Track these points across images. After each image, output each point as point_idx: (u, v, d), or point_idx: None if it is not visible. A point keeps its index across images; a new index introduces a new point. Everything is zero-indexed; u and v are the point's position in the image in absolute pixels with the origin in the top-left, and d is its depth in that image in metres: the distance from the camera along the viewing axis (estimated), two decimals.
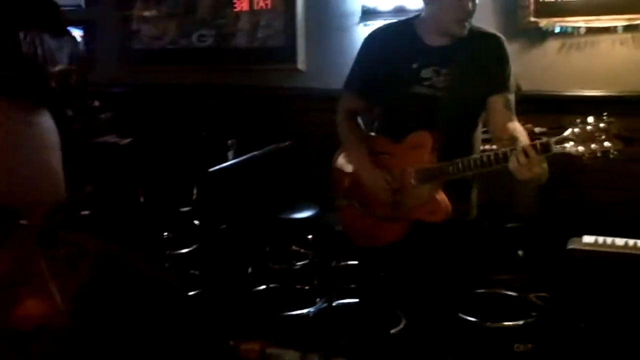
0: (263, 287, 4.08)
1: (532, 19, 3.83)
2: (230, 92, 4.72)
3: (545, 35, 3.84)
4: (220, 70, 4.78)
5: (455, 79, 2.48)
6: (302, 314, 3.88)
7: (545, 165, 2.17)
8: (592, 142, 2.08)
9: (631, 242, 2.58)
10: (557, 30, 3.78)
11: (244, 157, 3.55)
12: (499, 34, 2.62)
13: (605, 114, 2.11)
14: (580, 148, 2.09)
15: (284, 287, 4.11)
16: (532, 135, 3.57)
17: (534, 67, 3.89)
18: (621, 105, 3.71)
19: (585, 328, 3.10)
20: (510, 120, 2.48)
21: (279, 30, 4.55)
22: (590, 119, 2.10)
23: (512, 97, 2.53)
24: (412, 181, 2.45)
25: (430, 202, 2.43)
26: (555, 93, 3.85)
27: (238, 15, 4.70)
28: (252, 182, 4.05)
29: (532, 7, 3.82)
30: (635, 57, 3.67)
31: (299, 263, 4.12)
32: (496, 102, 2.50)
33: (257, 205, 4.03)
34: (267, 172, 4.05)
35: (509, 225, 3.49)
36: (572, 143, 2.10)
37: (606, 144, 2.06)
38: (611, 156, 2.07)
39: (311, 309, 3.91)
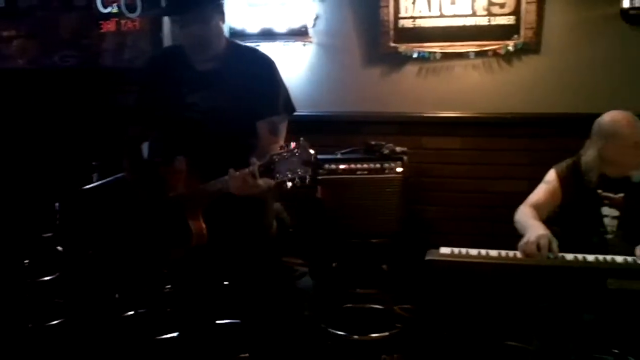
0: (132, 312, 3.97)
1: (392, 44, 4.01)
2: (96, 113, 4.60)
3: (404, 59, 4.03)
4: (85, 91, 4.65)
5: (221, 103, 2.49)
6: (173, 337, 3.81)
7: (262, 182, 2.26)
8: (288, 168, 2.19)
9: (483, 252, 2.73)
10: (415, 55, 3.98)
11: (109, 179, 3.46)
12: (270, 57, 2.62)
13: (302, 138, 2.21)
14: (278, 175, 2.20)
15: (153, 311, 4.01)
16: (392, 154, 3.76)
17: (395, 90, 4.09)
18: (474, 126, 3.97)
19: (447, 336, 3.26)
20: (274, 144, 2.49)
21: (145, 51, 4.49)
22: (290, 145, 2.21)
23: (280, 119, 2.56)
24: (171, 209, 2.47)
25: (182, 229, 2.45)
26: (415, 114, 4.05)
27: (103, 35, 4.60)
28: (118, 205, 3.94)
29: (391, 33, 4.01)
30: (486, 81, 3.94)
31: (168, 286, 4.04)
32: (261, 126, 2.53)
33: (124, 229, 3.93)
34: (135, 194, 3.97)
35: (374, 241, 3.60)
36: (272, 169, 2.21)
37: (299, 170, 2.18)
38: (307, 179, 2.18)
39: None
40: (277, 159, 2.20)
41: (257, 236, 2.66)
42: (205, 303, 2.79)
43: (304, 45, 4.18)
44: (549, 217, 2.97)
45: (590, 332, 2.69)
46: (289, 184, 2.20)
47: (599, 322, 2.66)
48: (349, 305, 3.82)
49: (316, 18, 4.16)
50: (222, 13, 2.54)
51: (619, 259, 2.65)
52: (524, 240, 2.74)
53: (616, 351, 2.75)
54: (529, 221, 2.93)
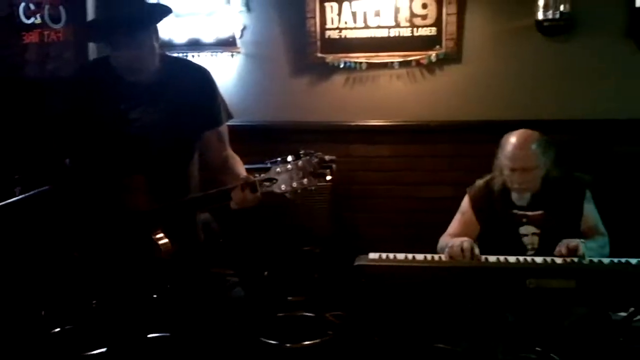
0: (58, 329, 3.88)
1: (319, 54, 4.08)
2: (18, 125, 4.47)
3: (331, 69, 4.10)
4: (6, 102, 4.52)
5: (165, 117, 2.46)
6: (102, 353, 3.74)
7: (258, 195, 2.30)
8: (293, 180, 2.23)
9: (410, 256, 2.80)
10: (341, 65, 4.05)
11: (31, 192, 3.37)
12: (205, 67, 2.62)
13: (302, 152, 2.27)
14: (283, 186, 2.23)
15: (81, 327, 3.93)
16: (321, 162, 3.81)
17: (323, 99, 4.15)
18: (400, 134, 4.07)
19: (378, 341, 3.31)
20: (224, 150, 2.57)
21: (70, 62, 4.41)
22: (290, 158, 2.24)
23: (224, 128, 2.60)
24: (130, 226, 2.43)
25: (149, 245, 2.42)
26: (343, 123, 4.11)
27: (26, 46, 4.49)
28: (42, 219, 3.85)
29: (318, 43, 4.07)
30: (410, 90, 4.05)
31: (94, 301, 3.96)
32: (209, 137, 2.55)
33: (49, 244, 3.84)
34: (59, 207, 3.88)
35: (305, 248, 3.63)
36: (275, 182, 2.24)
37: (305, 181, 2.23)
38: (312, 189, 2.25)
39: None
40: (280, 171, 2.22)
41: (187, 247, 2.65)
42: (135, 317, 2.75)
43: (232, 55, 4.20)
44: None
45: (515, 331, 2.78)
46: (290, 193, 2.22)
47: (522, 321, 2.76)
48: (280, 314, 3.85)
49: (244, 28, 4.18)
50: (156, 32, 2.48)
51: (539, 259, 2.75)
52: (449, 245, 2.83)
53: (539, 349, 2.85)
54: (451, 239, 2.99)
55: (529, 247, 2.97)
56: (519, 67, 3.90)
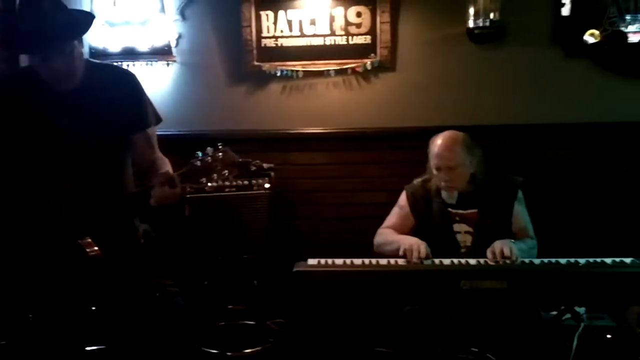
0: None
1: (256, 63, 4.08)
2: None
3: (268, 77, 4.11)
4: None
5: (92, 123, 2.46)
6: None
7: (180, 190, 2.32)
8: (213, 172, 2.27)
9: (348, 261, 2.84)
10: (278, 73, 4.07)
11: None
12: (130, 71, 2.64)
13: (220, 144, 2.31)
14: (204, 179, 2.28)
15: (20, 342, 3.82)
16: (260, 170, 3.82)
17: (260, 108, 4.15)
18: (338, 141, 4.10)
19: (319, 347, 3.33)
20: (153, 154, 2.59)
21: (1, 72, 4.31)
22: (209, 150, 2.29)
23: (152, 131, 2.62)
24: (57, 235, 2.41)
25: (79, 253, 2.41)
26: (281, 131, 4.13)
27: None
28: None
29: (255, 52, 4.08)
30: (346, 98, 4.09)
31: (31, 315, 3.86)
32: (137, 140, 2.57)
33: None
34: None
35: (245, 256, 3.63)
36: (195, 176, 2.28)
37: (225, 172, 2.28)
38: (232, 182, 2.30)
39: None
40: (199, 165, 2.20)
41: (126, 252, 2.62)
42: (72, 329, 2.70)
43: (168, 64, 4.16)
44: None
45: (452, 332, 2.84)
46: (210, 185, 2.24)
47: (459, 322, 2.83)
48: (221, 322, 3.83)
49: (179, 37, 4.15)
50: (80, 39, 2.48)
51: (472, 261, 2.83)
52: (404, 247, 2.88)
53: (475, 350, 2.92)
54: (395, 237, 3.06)
55: (462, 244, 3.06)
56: (452, 74, 4.00)
